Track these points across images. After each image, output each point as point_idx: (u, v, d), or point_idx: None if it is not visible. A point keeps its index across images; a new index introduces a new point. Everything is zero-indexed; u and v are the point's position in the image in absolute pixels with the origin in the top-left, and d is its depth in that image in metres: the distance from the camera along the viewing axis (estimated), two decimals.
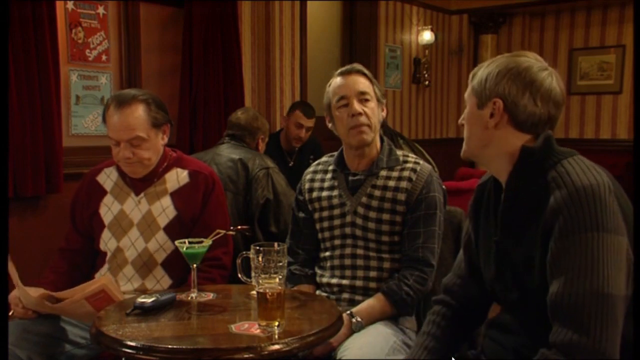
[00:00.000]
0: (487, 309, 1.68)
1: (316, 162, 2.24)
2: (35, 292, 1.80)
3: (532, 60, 1.43)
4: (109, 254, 2.11)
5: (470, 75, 1.52)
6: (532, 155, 1.39)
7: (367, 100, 1.99)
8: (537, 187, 1.35)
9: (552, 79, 1.41)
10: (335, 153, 2.13)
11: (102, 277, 1.82)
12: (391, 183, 1.99)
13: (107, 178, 2.19)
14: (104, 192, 2.17)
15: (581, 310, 1.22)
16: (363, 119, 1.97)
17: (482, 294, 1.61)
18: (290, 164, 4.06)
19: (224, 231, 1.88)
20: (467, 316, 1.65)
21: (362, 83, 2.01)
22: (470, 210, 1.62)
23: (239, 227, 2.08)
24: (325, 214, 2.07)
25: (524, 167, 1.40)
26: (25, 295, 1.80)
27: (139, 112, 2.02)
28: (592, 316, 1.21)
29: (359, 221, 2.00)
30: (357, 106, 1.97)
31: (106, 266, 2.11)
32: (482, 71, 1.47)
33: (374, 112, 2.00)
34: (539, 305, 1.31)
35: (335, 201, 2.05)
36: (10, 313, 1.86)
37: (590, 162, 1.37)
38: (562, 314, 1.26)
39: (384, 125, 2.31)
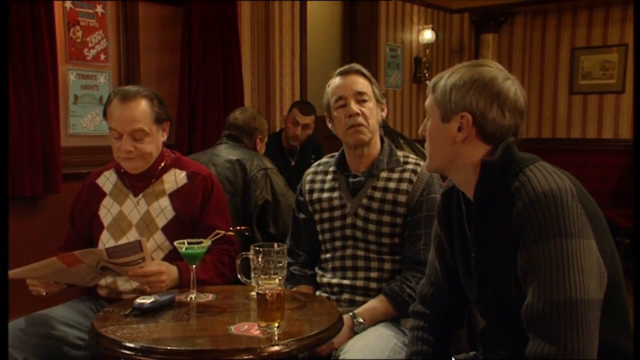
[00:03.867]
0: (464, 313, 1.66)
1: (316, 162, 2.22)
2: None
3: (495, 70, 1.39)
4: None
5: (430, 85, 1.45)
6: (492, 168, 1.36)
7: (364, 100, 1.98)
8: (504, 199, 1.33)
9: (515, 88, 1.37)
10: (336, 154, 2.11)
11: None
12: (391, 185, 1.97)
13: (107, 180, 2.21)
14: (103, 194, 2.18)
15: (551, 320, 1.21)
16: (360, 119, 1.95)
17: (459, 300, 1.59)
18: (292, 164, 4.05)
19: (223, 231, 1.88)
20: (446, 322, 1.63)
21: (360, 83, 1.99)
22: (440, 218, 1.58)
23: (238, 227, 2.07)
24: (325, 215, 2.05)
25: (487, 181, 1.37)
26: None
27: (143, 106, 2.05)
28: (562, 325, 1.19)
29: (359, 223, 1.98)
30: (354, 106, 1.96)
31: None
32: (444, 82, 1.40)
33: (372, 112, 1.98)
34: (521, 320, 1.28)
35: (336, 202, 2.04)
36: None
37: (553, 167, 1.34)
38: (534, 325, 1.24)
39: (384, 125, 2.28)
